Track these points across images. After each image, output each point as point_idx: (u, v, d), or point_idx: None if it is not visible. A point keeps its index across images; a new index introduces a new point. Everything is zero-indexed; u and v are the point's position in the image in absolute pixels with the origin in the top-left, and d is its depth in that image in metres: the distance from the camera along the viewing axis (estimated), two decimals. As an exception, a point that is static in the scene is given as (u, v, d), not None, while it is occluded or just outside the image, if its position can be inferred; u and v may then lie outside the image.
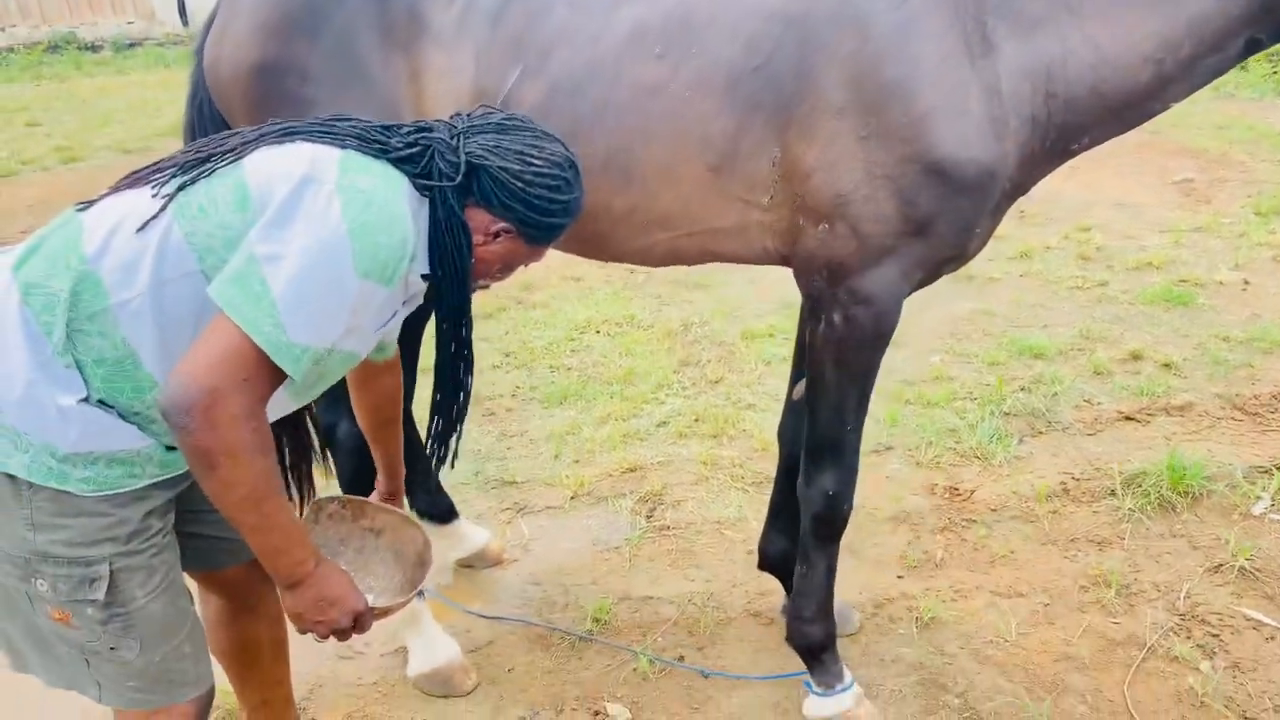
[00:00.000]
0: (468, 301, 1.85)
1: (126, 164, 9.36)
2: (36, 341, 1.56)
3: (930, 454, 3.78)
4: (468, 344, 1.95)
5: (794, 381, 2.62)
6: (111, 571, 1.64)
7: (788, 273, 2.37)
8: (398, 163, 1.66)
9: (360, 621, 1.76)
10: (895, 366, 4.38)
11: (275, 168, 1.57)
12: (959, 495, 3.54)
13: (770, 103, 2.13)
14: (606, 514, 3.49)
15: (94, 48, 15.22)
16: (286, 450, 2.69)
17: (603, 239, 2.42)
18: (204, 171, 1.60)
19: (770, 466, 3.71)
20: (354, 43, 2.31)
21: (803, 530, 2.47)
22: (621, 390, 4.31)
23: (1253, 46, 2.02)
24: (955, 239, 2.17)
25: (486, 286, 1.90)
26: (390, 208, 1.57)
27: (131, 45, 15.52)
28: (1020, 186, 2.21)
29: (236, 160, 1.61)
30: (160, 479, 1.70)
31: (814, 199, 2.14)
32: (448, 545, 3.22)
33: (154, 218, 1.58)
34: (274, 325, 1.47)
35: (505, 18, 2.29)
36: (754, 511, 3.47)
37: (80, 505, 1.61)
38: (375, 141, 1.66)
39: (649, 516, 3.46)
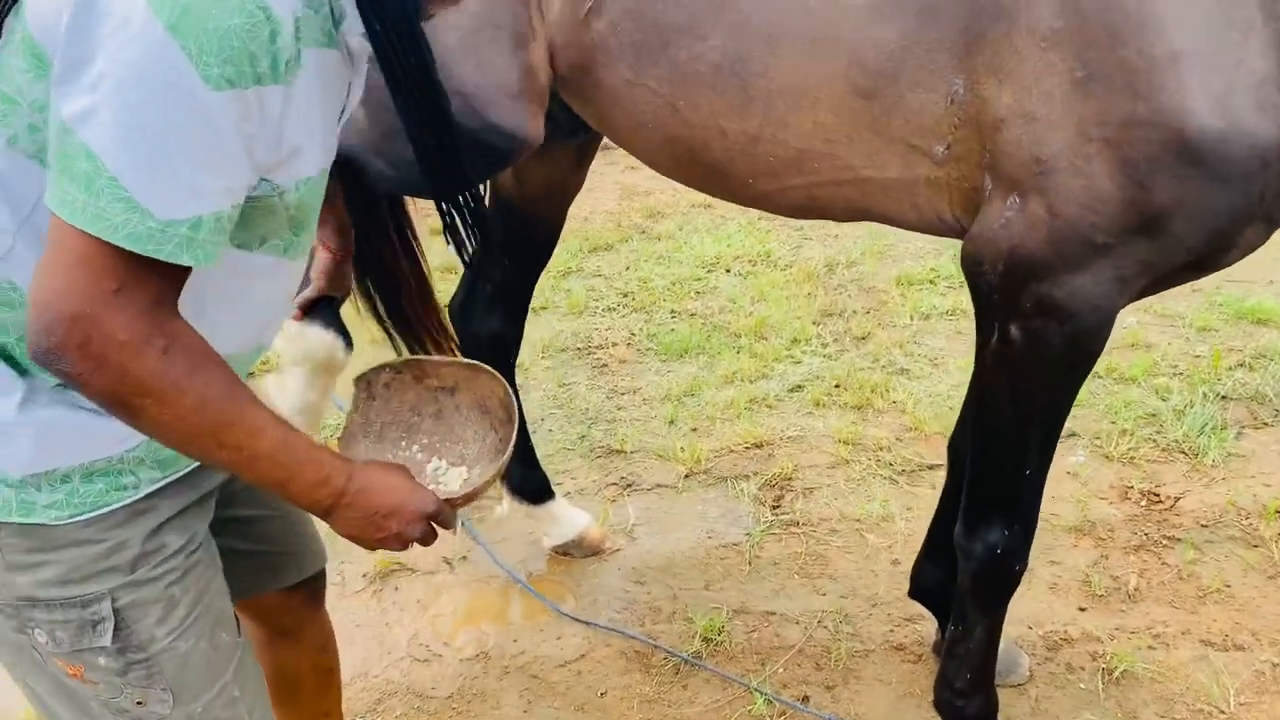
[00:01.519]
0: (425, 54, 1.22)
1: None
2: None
3: (1124, 445, 3.13)
4: (447, 127, 1.32)
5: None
6: (116, 610, 1.27)
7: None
8: None
9: (441, 518, 1.35)
10: (1080, 328, 3.69)
11: None
12: (1159, 503, 2.90)
13: (952, 11, 1.53)
14: (725, 499, 3.01)
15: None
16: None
17: (719, 174, 1.89)
18: None
19: (925, 450, 3.16)
20: None
21: (960, 584, 1.93)
22: (750, 344, 3.78)
23: None
24: (1201, 243, 1.53)
25: None
26: None
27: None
28: None
29: (16, 8, 1.10)
30: (166, 481, 1.29)
31: (1004, 160, 1.54)
32: (542, 529, 2.83)
33: None
34: (127, 208, 1.00)
35: None
36: (901, 508, 2.92)
37: (59, 536, 1.23)
38: None
39: (775, 506, 2.96)
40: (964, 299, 4.05)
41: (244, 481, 1.32)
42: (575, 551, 2.82)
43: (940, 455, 3.10)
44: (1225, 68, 1.40)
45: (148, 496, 1.28)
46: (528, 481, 2.79)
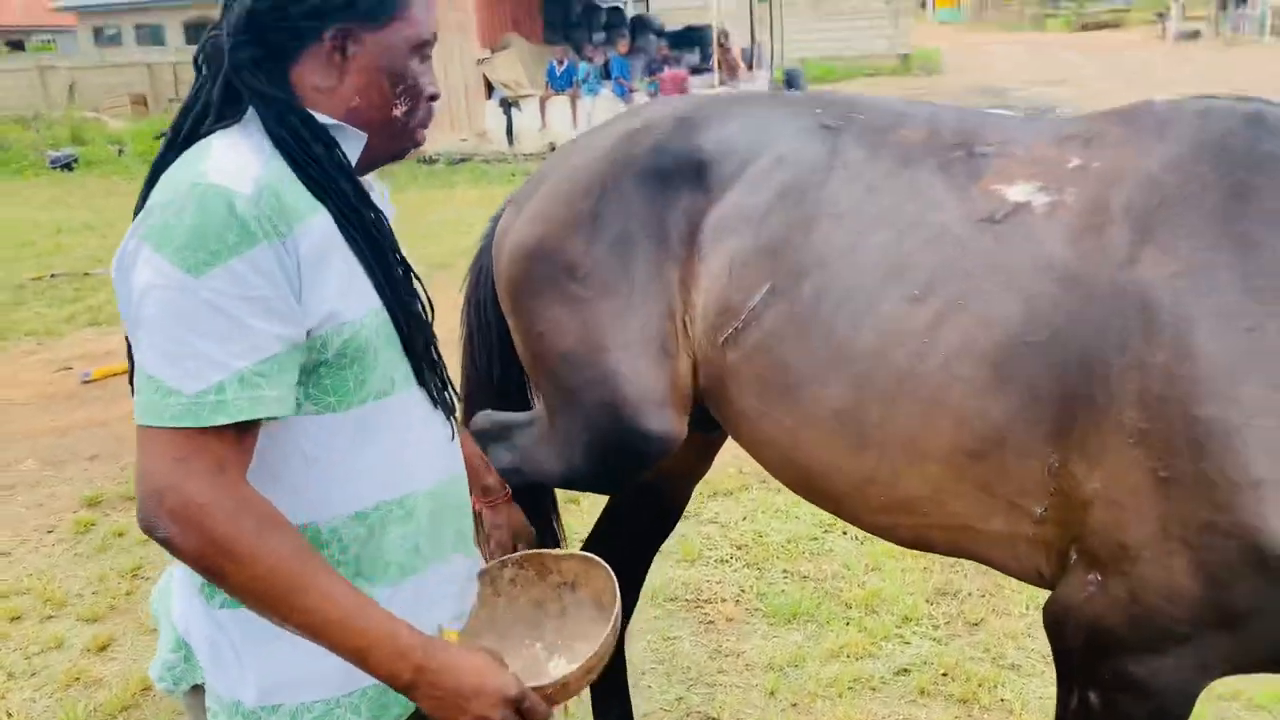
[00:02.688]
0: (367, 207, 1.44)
1: (438, 280, 9.98)
2: (191, 604, 1.47)
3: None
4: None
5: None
6: None
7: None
8: (194, 125, 1.40)
9: (527, 705, 1.34)
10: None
11: None
12: None
13: (1050, 395, 1.65)
14: (818, 789, 2.97)
15: (430, 160, 16.74)
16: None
17: (836, 502, 2.03)
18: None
19: (1029, 761, 3.04)
20: (631, 250, 2.07)
21: None
22: (860, 618, 3.77)
23: None
24: None
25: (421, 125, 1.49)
26: (176, 181, 1.30)
27: (461, 160, 16.94)
28: None
29: None
30: None
31: (1090, 537, 1.62)
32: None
33: None
34: (165, 395, 1.23)
35: (767, 222, 1.97)
36: (1001, 823, 2.81)
37: None
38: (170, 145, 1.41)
39: (869, 804, 2.90)
40: (1086, 591, 3.95)
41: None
42: (660, 826, 2.82)
43: (1047, 768, 3.00)
44: None
45: None
46: (617, 745, 2.86)
